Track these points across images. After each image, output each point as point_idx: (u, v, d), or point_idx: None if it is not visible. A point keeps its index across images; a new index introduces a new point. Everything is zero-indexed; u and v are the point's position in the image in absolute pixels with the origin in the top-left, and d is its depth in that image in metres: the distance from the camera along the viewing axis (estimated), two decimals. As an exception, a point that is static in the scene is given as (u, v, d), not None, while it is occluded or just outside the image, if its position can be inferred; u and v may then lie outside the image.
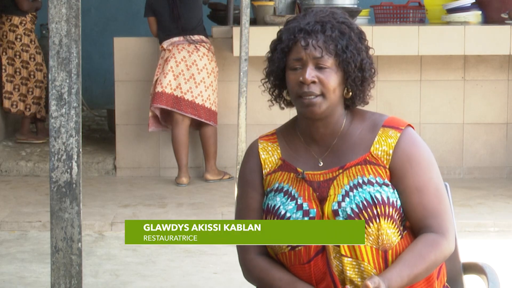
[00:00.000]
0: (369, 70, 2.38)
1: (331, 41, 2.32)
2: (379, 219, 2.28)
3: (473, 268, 2.67)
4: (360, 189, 2.31)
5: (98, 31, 10.65)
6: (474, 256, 4.86)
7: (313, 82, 2.31)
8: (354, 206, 2.29)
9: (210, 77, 6.72)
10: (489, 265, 2.64)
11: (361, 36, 2.39)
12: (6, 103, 7.84)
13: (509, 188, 6.69)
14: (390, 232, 2.29)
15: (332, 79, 2.32)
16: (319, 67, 2.32)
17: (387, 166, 2.34)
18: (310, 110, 2.33)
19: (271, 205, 2.38)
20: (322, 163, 2.39)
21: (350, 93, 2.37)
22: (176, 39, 6.71)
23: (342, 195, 2.32)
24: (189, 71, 6.68)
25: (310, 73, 2.31)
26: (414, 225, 2.35)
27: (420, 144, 2.39)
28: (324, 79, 2.31)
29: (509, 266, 4.87)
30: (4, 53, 7.83)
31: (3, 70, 7.84)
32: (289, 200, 2.36)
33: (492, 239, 5.54)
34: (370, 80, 2.39)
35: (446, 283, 2.49)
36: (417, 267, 2.26)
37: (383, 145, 2.35)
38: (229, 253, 5.21)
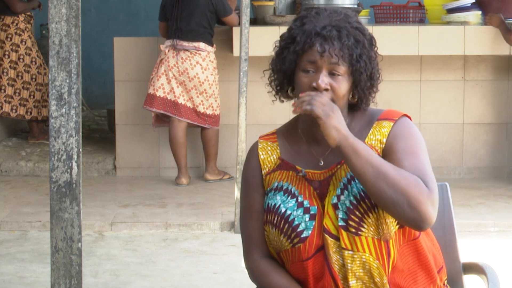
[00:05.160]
0: (377, 79, 2.40)
1: (346, 49, 2.32)
2: (377, 209, 2.28)
3: (473, 268, 2.67)
4: (357, 181, 2.31)
5: (98, 31, 10.66)
6: (474, 256, 4.87)
7: (326, 89, 2.31)
8: (352, 198, 2.30)
9: (203, 85, 6.66)
10: (489, 265, 2.64)
11: (371, 42, 2.39)
12: (6, 107, 7.82)
13: (509, 188, 6.69)
14: (389, 221, 2.30)
15: (343, 87, 2.33)
16: (331, 73, 2.32)
17: (381, 154, 2.34)
18: None
19: (271, 204, 2.39)
20: (322, 163, 2.39)
21: (356, 99, 2.38)
22: (174, 42, 6.68)
23: (341, 188, 2.33)
24: (181, 77, 6.66)
25: (324, 80, 2.31)
26: None
27: (412, 127, 2.40)
28: (337, 87, 2.32)
29: (509, 266, 4.87)
30: (6, 56, 7.81)
31: (5, 74, 7.82)
32: (289, 198, 2.37)
33: (492, 239, 5.54)
34: (376, 86, 2.41)
35: (446, 283, 2.49)
36: (381, 161, 2.23)
37: (376, 135, 2.37)
38: (229, 253, 5.21)
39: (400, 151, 2.32)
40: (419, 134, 2.40)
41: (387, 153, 2.34)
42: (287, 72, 2.39)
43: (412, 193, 2.20)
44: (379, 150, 2.35)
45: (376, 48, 2.41)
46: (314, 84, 2.31)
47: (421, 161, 2.32)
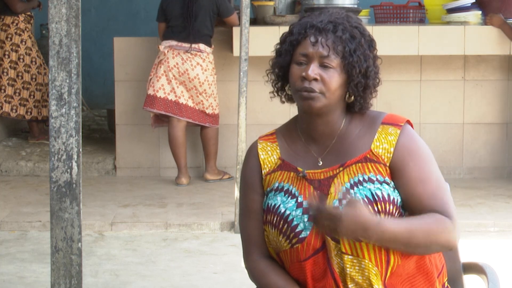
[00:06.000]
0: (373, 79, 2.38)
1: (340, 42, 2.32)
2: (380, 216, 2.28)
3: (473, 268, 2.67)
4: (360, 187, 2.31)
5: (98, 31, 10.66)
6: (474, 256, 4.86)
7: (315, 79, 2.31)
8: None
9: (203, 85, 6.68)
10: (489, 265, 2.64)
11: (371, 44, 2.39)
12: (6, 107, 7.82)
13: (509, 188, 6.69)
14: None
15: (334, 80, 2.32)
16: (323, 66, 2.32)
17: (388, 164, 2.34)
18: (308, 103, 2.32)
19: (271, 204, 2.39)
20: (321, 163, 2.39)
21: (352, 98, 2.37)
22: (174, 43, 6.67)
23: (343, 193, 2.32)
24: (181, 77, 6.66)
25: (314, 70, 2.31)
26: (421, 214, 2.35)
27: (418, 139, 2.41)
28: (326, 78, 2.31)
29: (509, 266, 4.87)
30: (6, 56, 7.80)
31: (5, 74, 7.81)
32: (289, 198, 2.37)
33: (492, 239, 5.54)
34: (373, 89, 2.39)
35: (446, 283, 2.49)
36: (415, 224, 2.27)
37: (383, 142, 2.36)
38: (229, 253, 5.21)
39: (412, 178, 2.33)
40: (425, 145, 2.40)
41: (397, 172, 2.33)
42: (283, 65, 2.39)
43: (442, 239, 2.30)
44: (386, 160, 2.34)
45: (375, 51, 2.40)
46: (303, 74, 2.32)
47: (436, 184, 2.35)
